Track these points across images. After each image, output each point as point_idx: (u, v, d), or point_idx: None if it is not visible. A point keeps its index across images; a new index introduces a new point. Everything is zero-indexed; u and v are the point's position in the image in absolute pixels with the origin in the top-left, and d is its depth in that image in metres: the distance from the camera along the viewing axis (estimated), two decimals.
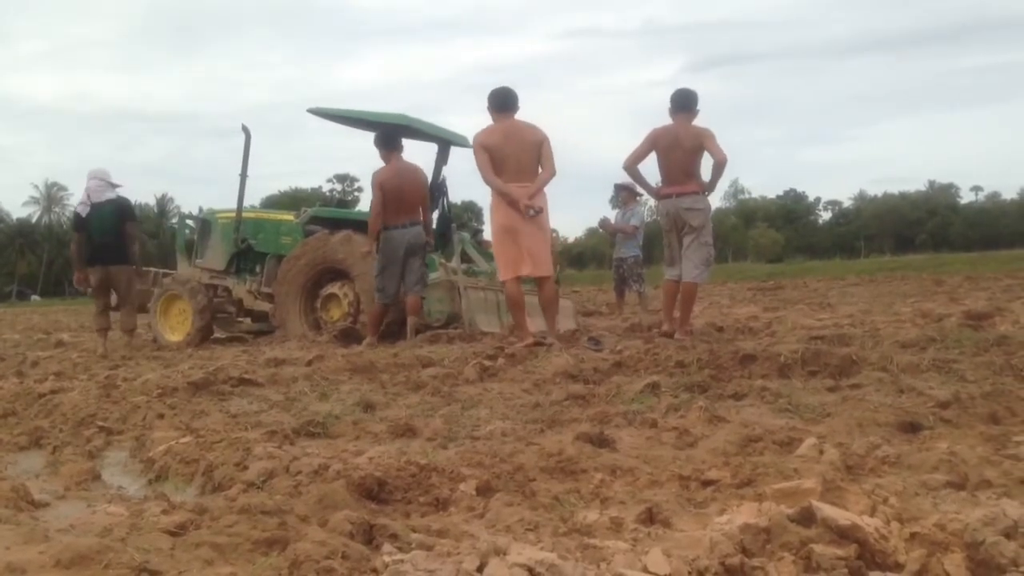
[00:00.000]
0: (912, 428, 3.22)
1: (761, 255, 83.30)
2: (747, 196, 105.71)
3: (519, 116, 7.22)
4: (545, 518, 2.28)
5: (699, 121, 7.33)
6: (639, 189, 8.62)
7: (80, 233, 9.07)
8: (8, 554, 1.98)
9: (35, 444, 3.94)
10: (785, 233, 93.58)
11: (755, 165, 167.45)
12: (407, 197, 8.31)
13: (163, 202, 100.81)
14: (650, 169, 7.45)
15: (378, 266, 8.23)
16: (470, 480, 2.66)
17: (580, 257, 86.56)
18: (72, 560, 1.90)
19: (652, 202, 7.61)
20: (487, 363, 5.62)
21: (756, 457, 2.87)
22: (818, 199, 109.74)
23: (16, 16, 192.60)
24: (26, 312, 37.60)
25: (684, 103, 7.36)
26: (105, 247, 9.02)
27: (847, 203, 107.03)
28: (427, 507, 2.55)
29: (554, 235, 7.79)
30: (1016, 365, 4.34)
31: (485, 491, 2.60)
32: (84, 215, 9.00)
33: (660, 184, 7.43)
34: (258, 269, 10.16)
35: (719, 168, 7.18)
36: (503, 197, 6.91)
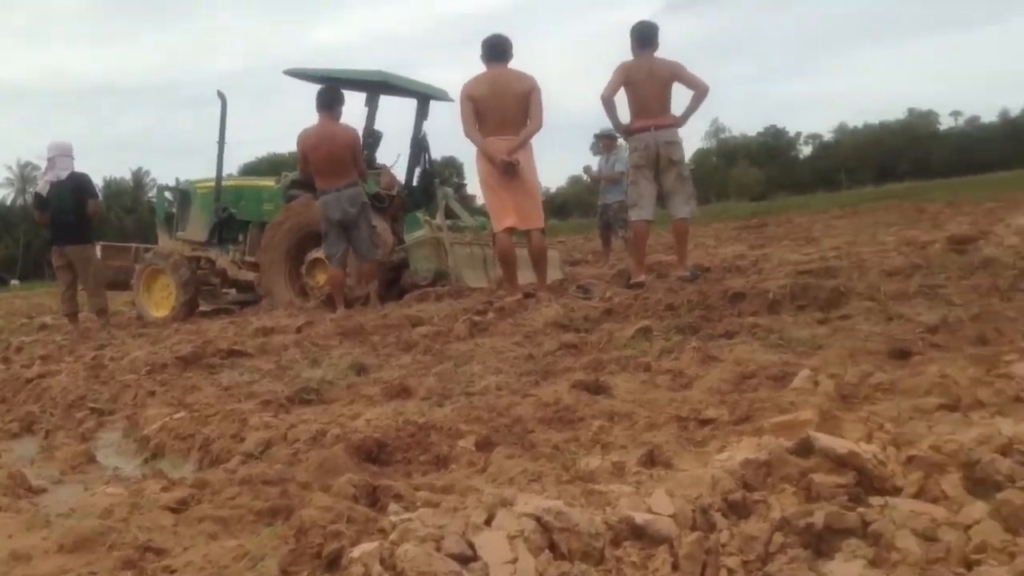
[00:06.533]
0: (903, 354, 3.23)
1: (744, 194, 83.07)
2: (728, 135, 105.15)
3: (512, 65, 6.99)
4: (547, 468, 2.29)
5: (673, 57, 7.20)
6: (618, 133, 8.47)
7: (42, 212, 8.98)
8: (11, 542, 1.98)
9: (27, 430, 3.93)
10: (767, 170, 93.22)
11: (735, 103, 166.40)
12: (336, 159, 7.87)
13: (139, 175, 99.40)
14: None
15: (323, 233, 8.01)
16: (469, 436, 2.67)
17: (563, 207, 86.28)
18: (76, 544, 1.91)
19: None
20: (477, 318, 5.61)
21: (752, 393, 2.89)
22: (799, 134, 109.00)
23: None
24: (7, 297, 37.16)
25: (648, 37, 7.18)
26: (64, 226, 8.88)
27: (827, 136, 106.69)
28: (428, 465, 2.56)
29: None
30: (1002, 286, 4.38)
31: (485, 446, 2.61)
32: (45, 194, 8.89)
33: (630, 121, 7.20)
34: (241, 238, 10.04)
35: (701, 97, 7.06)
36: (482, 152, 6.82)
